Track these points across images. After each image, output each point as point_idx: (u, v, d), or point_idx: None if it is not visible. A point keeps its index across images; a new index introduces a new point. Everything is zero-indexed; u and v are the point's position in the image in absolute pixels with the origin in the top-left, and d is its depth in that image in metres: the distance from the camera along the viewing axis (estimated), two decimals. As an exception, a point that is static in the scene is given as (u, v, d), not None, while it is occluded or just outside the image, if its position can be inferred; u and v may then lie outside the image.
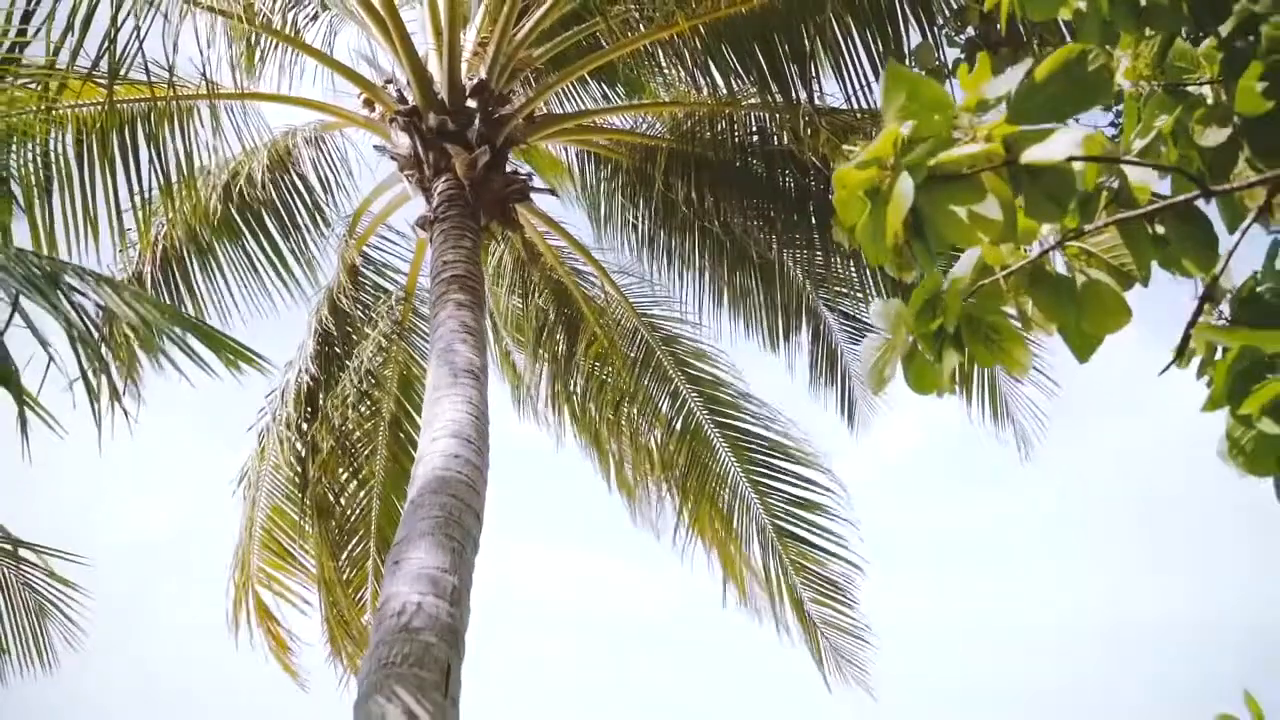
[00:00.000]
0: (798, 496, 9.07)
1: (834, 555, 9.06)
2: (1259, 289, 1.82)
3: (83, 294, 3.39)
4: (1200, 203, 1.76)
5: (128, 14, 5.02)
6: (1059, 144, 1.41)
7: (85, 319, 3.50)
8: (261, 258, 7.44)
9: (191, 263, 7.63)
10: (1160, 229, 1.84)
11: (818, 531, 8.98)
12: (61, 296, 3.19)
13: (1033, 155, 1.43)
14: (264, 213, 7.58)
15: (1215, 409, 1.68)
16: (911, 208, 1.50)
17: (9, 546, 5.14)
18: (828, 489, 8.92)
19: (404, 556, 3.52)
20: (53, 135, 5.46)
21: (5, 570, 5.38)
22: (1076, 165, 1.57)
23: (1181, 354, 1.80)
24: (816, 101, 5.87)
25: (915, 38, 5.40)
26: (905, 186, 1.46)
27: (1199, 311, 1.77)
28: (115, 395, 4.02)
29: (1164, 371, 1.88)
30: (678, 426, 8.61)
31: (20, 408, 3.17)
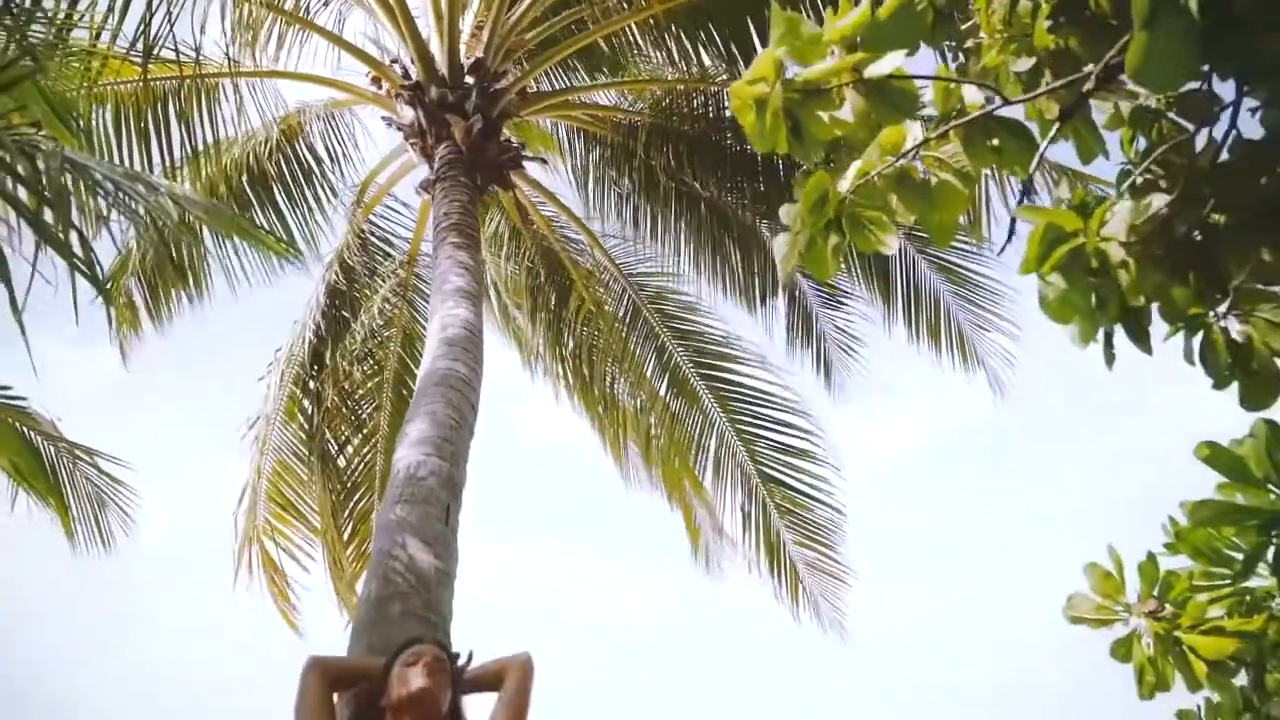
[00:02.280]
0: (783, 443, 9.38)
1: (818, 501, 9.40)
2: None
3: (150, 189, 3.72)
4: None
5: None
6: (886, 63, 1.87)
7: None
8: (278, 224, 7.81)
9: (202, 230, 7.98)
10: (995, 141, 2.32)
11: (802, 477, 9.12)
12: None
13: (870, 71, 1.90)
14: (275, 183, 7.85)
15: (1028, 272, 2.14)
16: (789, 112, 1.98)
17: (66, 443, 5.71)
18: (810, 433, 9.26)
19: (411, 430, 4.04)
20: (94, 111, 5.90)
21: (67, 465, 5.93)
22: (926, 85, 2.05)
23: (1012, 234, 2.27)
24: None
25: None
26: (780, 97, 1.93)
27: (1023, 198, 2.25)
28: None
29: (1002, 251, 2.35)
30: (663, 383, 9.04)
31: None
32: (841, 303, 9.76)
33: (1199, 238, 2.04)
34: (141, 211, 3.64)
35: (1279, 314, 1.95)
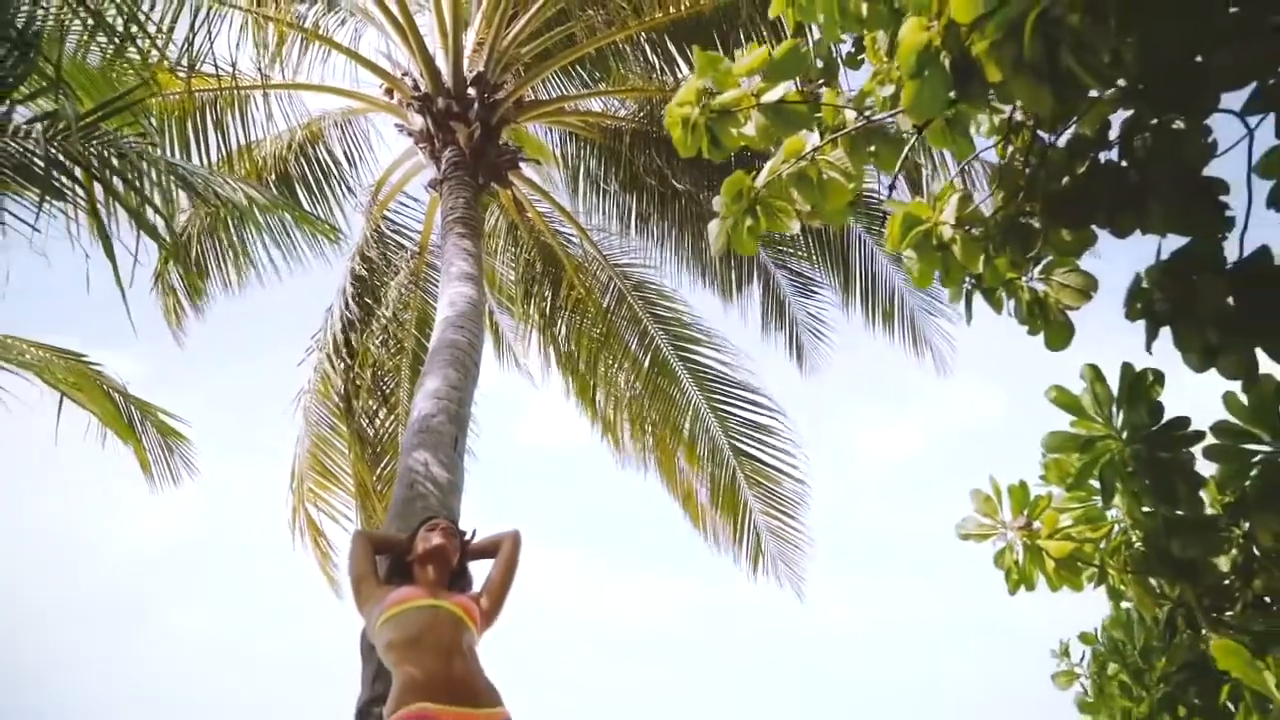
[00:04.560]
0: (751, 420, 9.90)
1: (784, 473, 9.91)
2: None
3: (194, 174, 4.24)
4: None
5: (202, 21, 5.98)
6: (777, 92, 2.41)
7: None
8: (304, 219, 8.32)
9: (230, 229, 8.44)
10: (873, 147, 2.85)
11: (770, 452, 9.60)
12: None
13: (765, 98, 2.44)
14: (298, 182, 8.38)
15: (892, 249, 2.68)
16: (708, 127, 2.52)
17: (135, 400, 6.35)
18: (775, 410, 9.76)
19: (427, 384, 4.64)
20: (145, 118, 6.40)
21: (138, 418, 6.53)
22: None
23: (884, 220, 2.81)
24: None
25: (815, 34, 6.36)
26: (697, 116, 2.47)
27: (890, 190, 2.79)
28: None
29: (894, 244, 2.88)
30: (645, 361, 9.55)
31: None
32: (813, 291, 10.23)
33: (1023, 221, 2.58)
34: (215, 199, 4.16)
35: (1069, 278, 2.49)
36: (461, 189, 6.52)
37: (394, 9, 7.39)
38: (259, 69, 6.35)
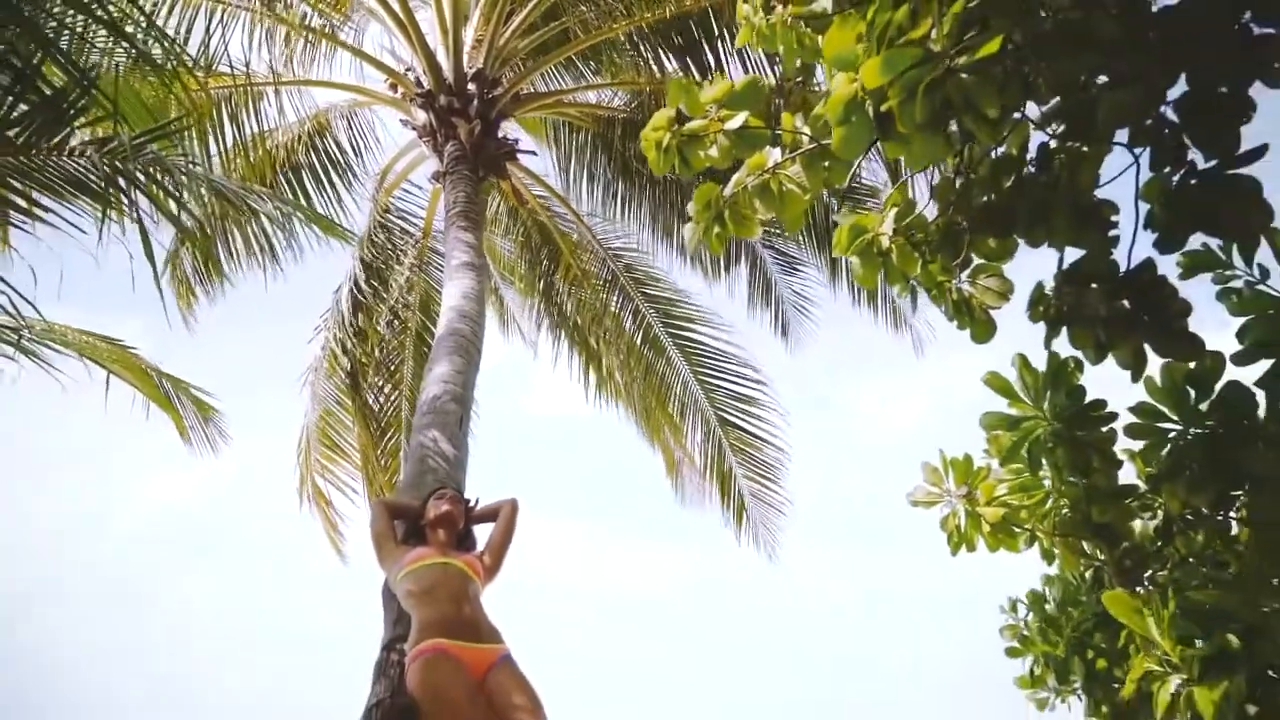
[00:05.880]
0: (737, 392, 10.21)
1: (766, 441, 10.25)
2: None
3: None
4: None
5: (218, 24, 6.22)
6: (735, 121, 2.71)
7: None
8: (315, 204, 8.56)
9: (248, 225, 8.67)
10: (827, 164, 3.15)
11: (753, 422, 9.96)
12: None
13: (727, 125, 2.74)
14: (305, 171, 8.60)
15: (840, 253, 2.99)
16: (679, 149, 2.82)
17: (170, 377, 6.73)
18: (760, 383, 10.08)
19: (435, 370, 4.97)
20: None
21: (174, 393, 6.92)
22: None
23: (836, 226, 3.11)
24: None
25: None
26: (669, 141, 2.78)
27: (841, 205, 3.10)
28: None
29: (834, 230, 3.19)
30: (638, 337, 9.83)
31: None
32: (797, 269, 10.51)
33: (954, 230, 2.89)
34: (247, 207, 4.50)
35: (991, 282, 2.81)
36: (463, 183, 6.80)
37: (395, 6, 7.61)
38: (270, 67, 6.59)
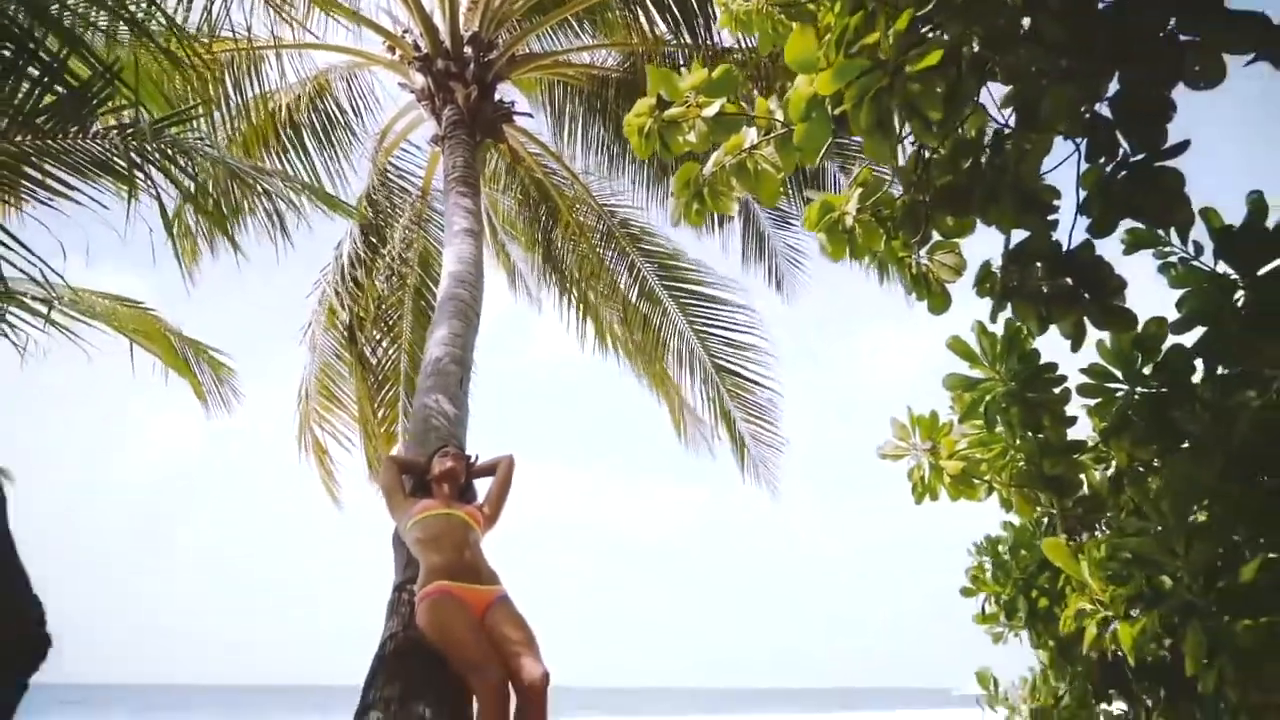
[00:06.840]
0: (731, 339, 10.40)
1: (760, 385, 10.47)
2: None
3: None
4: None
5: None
6: (711, 108, 2.88)
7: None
8: (316, 165, 8.68)
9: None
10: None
11: (747, 366, 10.18)
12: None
13: (704, 112, 2.90)
14: (306, 131, 8.71)
15: (810, 229, 3.18)
16: (660, 134, 2.99)
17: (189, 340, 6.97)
18: (754, 328, 10.26)
19: (436, 333, 5.16)
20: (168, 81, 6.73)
21: (191, 355, 7.15)
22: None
23: (808, 203, 3.29)
24: (716, 41, 7.22)
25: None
26: (651, 126, 2.94)
27: (815, 188, 3.27)
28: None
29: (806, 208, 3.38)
30: (634, 289, 9.95)
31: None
32: (790, 224, 10.64)
33: (915, 208, 3.07)
34: (260, 188, 4.67)
35: (946, 258, 3.00)
36: (461, 148, 6.91)
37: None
38: (271, 31, 6.65)
